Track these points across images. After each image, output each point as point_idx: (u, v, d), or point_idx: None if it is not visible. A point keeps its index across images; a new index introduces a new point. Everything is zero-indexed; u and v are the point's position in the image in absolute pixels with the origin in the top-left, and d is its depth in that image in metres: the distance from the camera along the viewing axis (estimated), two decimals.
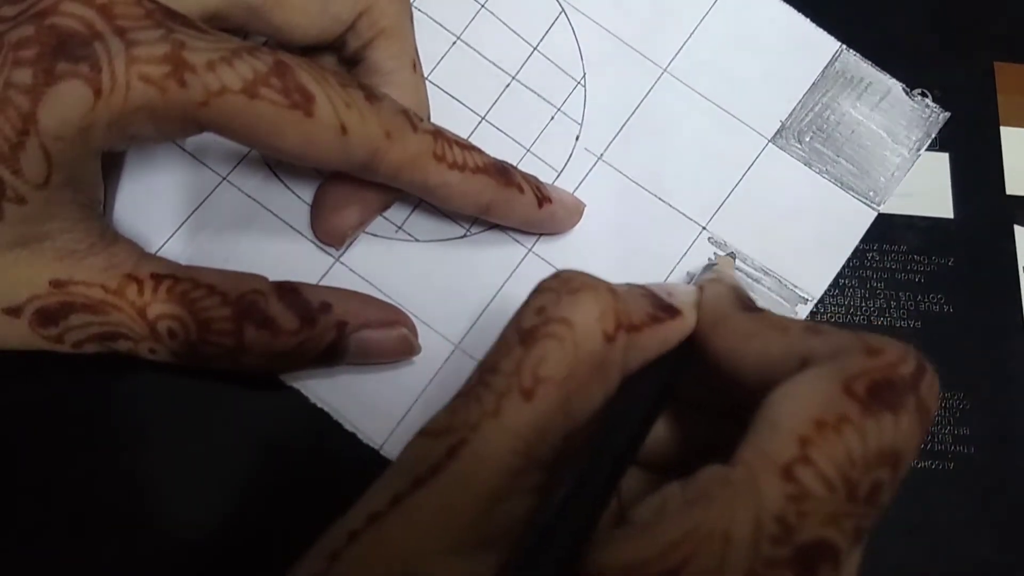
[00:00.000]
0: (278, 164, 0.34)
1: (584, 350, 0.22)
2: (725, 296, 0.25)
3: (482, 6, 0.37)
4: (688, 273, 0.34)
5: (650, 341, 0.24)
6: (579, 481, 0.22)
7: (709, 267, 0.31)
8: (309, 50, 0.33)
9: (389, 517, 0.21)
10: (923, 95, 0.37)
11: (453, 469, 0.21)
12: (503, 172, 0.31)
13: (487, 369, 0.22)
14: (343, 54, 0.33)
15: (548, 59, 0.36)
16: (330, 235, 0.32)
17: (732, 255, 0.34)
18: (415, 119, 0.29)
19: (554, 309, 0.22)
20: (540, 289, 0.23)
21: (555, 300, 0.22)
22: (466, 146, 0.31)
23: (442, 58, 0.36)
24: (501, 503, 0.21)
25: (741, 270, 0.34)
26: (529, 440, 0.21)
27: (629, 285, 0.24)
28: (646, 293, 0.24)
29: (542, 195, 0.32)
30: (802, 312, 0.34)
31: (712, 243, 0.35)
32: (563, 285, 0.23)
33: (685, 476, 0.26)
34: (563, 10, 0.37)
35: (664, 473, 0.26)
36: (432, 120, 0.34)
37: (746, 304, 0.25)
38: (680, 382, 0.25)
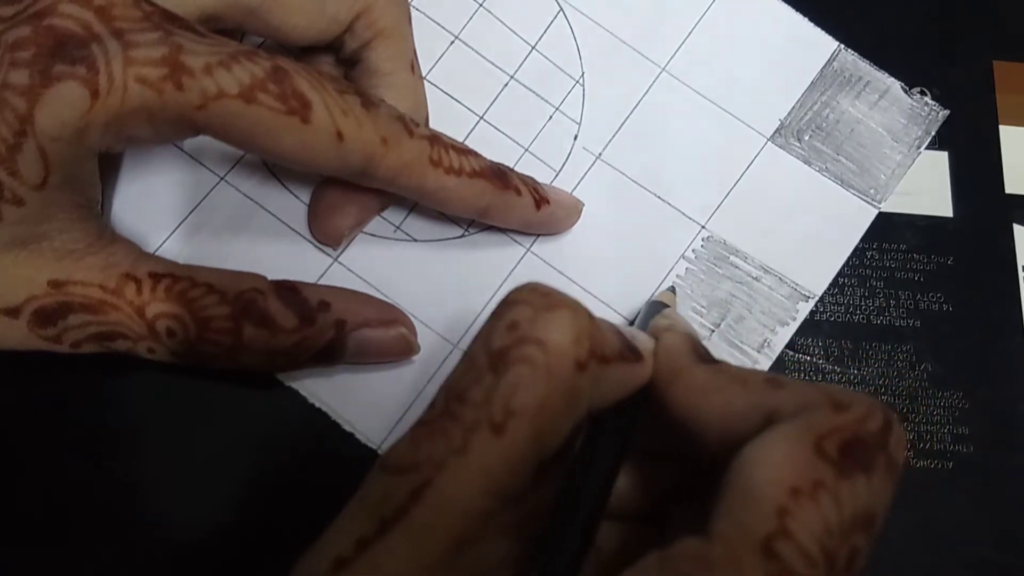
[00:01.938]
0: (276, 165, 0.34)
1: (558, 377, 0.21)
2: (681, 347, 0.24)
3: (480, 5, 0.37)
4: (635, 313, 0.33)
5: (615, 379, 0.23)
6: (555, 548, 0.21)
7: (654, 306, 0.30)
8: (307, 51, 0.33)
9: (355, 565, 0.20)
10: (921, 93, 0.37)
11: (418, 513, 0.20)
12: (500, 175, 0.31)
13: (454, 396, 0.21)
14: (341, 55, 0.33)
15: (546, 58, 0.36)
16: (327, 236, 0.32)
17: (672, 289, 0.34)
18: (411, 125, 0.29)
19: (529, 327, 0.21)
20: (512, 301, 0.22)
21: (530, 317, 0.21)
22: (463, 150, 0.31)
23: (440, 57, 0.36)
24: (472, 545, 0.20)
25: (741, 268, 0.34)
26: (499, 478, 0.20)
27: (599, 318, 0.23)
28: (615, 329, 0.23)
29: (540, 196, 0.32)
30: (803, 310, 0.34)
31: (710, 242, 0.35)
32: (540, 300, 0.22)
33: (649, 524, 0.25)
34: (561, 9, 0.37)
35: (628, 521, 0.26)
36: (430, 119, 0.34)
37: (702, 355, 0.24)
38: (634, 432, 0.24)
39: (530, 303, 0.22)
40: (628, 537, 0.26)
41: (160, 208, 0.33)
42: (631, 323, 0.31)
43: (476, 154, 0.31)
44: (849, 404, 0.21)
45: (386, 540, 0.20)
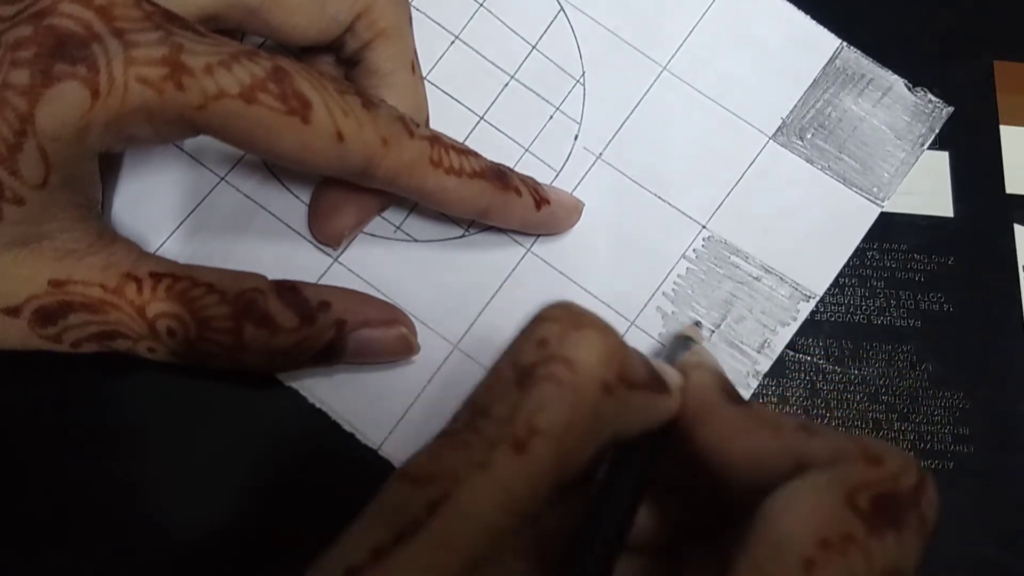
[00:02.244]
0: (276, 165, 0.34)
1: (583, 398, 0.20)
2: (711, 385, 0.24)
3: (481, 5, 0.37)
4: (660, 346, 0.33)
5: (641, 407, 0.22)
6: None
7: (681, 342, 0.30)
8: (307, 51, 0.33)
9: (369, 575, 0.19)
10: (924, 91, 0.37)
11: (435, 526, 0.19)
12: (500, 176, 0.31)
13: (478, 410, 0.21)
14: (342, 55, 0.33)
15: (547, 58, 0.36)
16: (327, 236, 0.32)
17: (698, 323, 0.34)
18: (412, 125, 0.29)
19: (557, 345, 0.21)
20: (543, 318, 0.22)
21: (559, 335, 0.21)
22: (463, 151, 0.31)
23: (441, 57, 0.36)
24: (488, 564, 0.20)
25: (742, 268, 0.34)
26: (519, 496, 0.20)
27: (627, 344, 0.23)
28: (643, 358, 0.23)
29: (540, 197, 0.32)
30: (804, 310, 0.34)
31: (711, 241, 0.35)
32: (570, 319, 0.21)
33: (665, 557, 0.25)
34: (562, 8, 0.37)
35: (645, 553, 0.26)
36: (431, 119, 0.34)
37: (732, 395, 0.24)
38: (656, 466, 0.24)
39: (560, 321, 0.21)
40: (644, 569, 0.26)
41: (160, 208, 0.33)
42: (658, 356, 0.31)
43: (476, 155, 0.31)
44: (883, 458, 0.20)
45: (401, 552, 0.19)
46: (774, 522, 0.20)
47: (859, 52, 0.37)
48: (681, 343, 0.30)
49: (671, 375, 0.24)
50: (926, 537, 0.20)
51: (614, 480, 0.23)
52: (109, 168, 0.33)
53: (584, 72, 0.36)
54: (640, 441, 0.23)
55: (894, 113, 0.37)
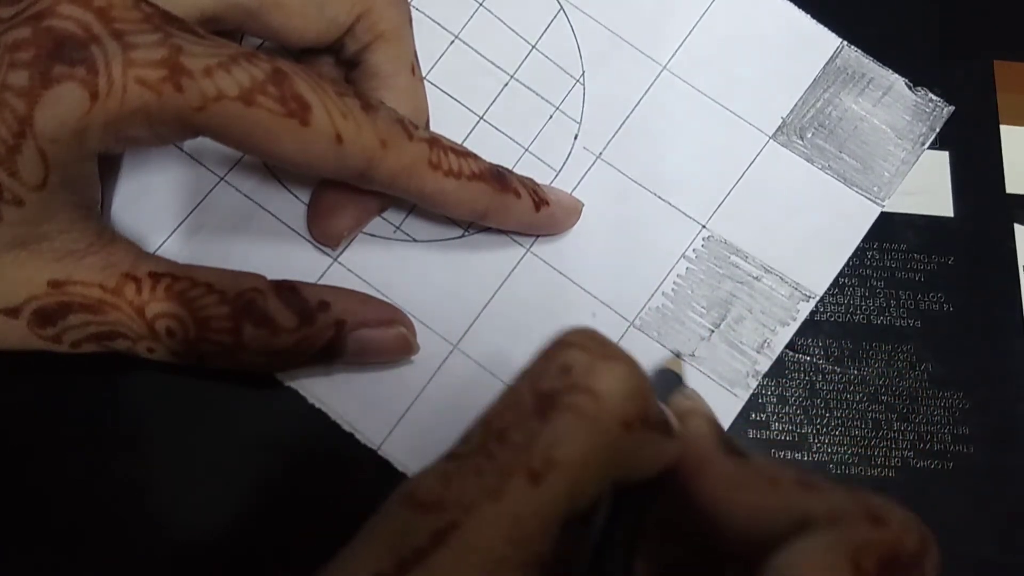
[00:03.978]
0: (275, 166, 0.34)
1: (604, 433, 0.20)
2: (709, 435, 0.24)
3: (480, 4, 0.36)
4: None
5: (653, 449, 0.22)
6: None
7: (666, 376, 0.30)
8: (307, 53, 0.33)
9: None
10: (924, 91, 0.37)
11: (440, 557, 0.19)
12: (499, 178, 0.31)
13: (493, 433, 0.20)
14: (341, 57, 0.33)
15: (547, 57, 0.36)
16: (327, 236, 0.32)
17: (678, 354, 0.33)
18: (411, 127, 0.29)
19: (583, 374, 0.20)
20: (568, 343, 0.21)
21: (586, 365, 0.20)
22: (462, 153, 0.31)
23: (440, 57, 0.36)
24: None
25: (741, 268, 0.34)
26: (528, 530, 0.19)
27: None
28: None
29: (539, 198, 0.32)
30: (804, 310, 0.34)
31: (711, 241, 0.35)
32: (598, 348, 0.21)
33: None
34: (562, 8, 0.37)
35: None
36: (430, 119, 0.34)
37: (729, 446, 0.24)
38: (651, 511, 0.24)
39: (587, 349, 0.21)
40: None
41: (160, 208, 0.33)
42: None
43: (475, 156, 0.31)
44: (887, 518, 0.20)
45: None
46: None
47: (859, 51, 0.37)
48: (665, 377, 0.29)
49: (671, 418, 0.24)
50: None
51: (615, 524, 0.23)
52: (108, 168, 0.33)
53: (584, 72, 0.36)
54: (643, 485, 0.23)
55: (894, 112, 0.37)
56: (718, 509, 0.22)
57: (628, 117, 0.36)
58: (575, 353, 0.21)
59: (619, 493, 0.23)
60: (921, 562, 0.20)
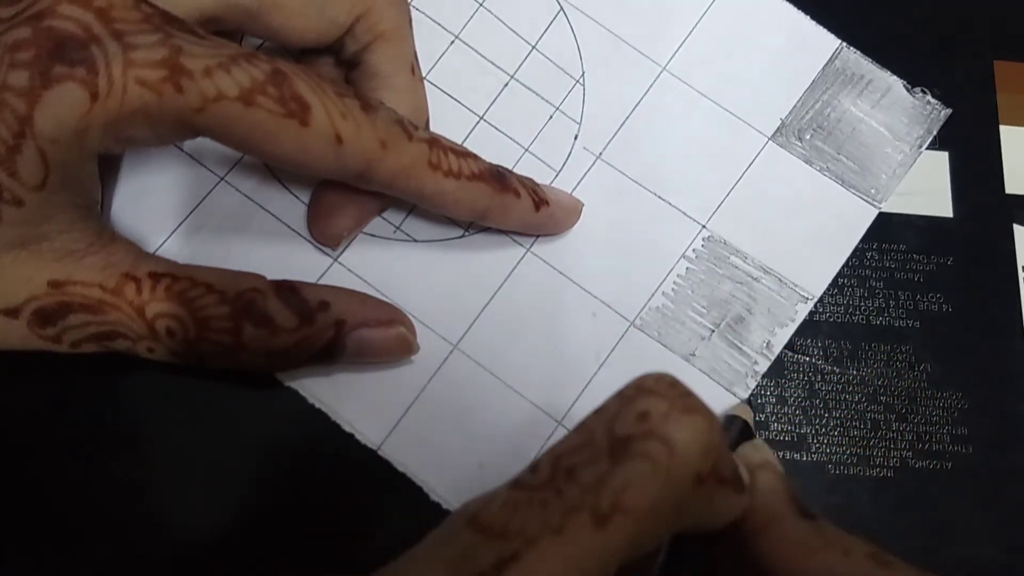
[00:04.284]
0: (275, 166, 0.34)
1: (675, 484, 0.20)
2: (781, 493, 0.23)
3: (480, 5, 0.37)
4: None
5: (722, 504, 0.22)
6: None
7: (731, 421, 0.29)
8: (307, 53, 0.33)
9: None
10: (923, 92, 0.37)
11: None
12: (499, 178, 0.31)
13: (562, 470, 0.20)
14: (341, 57, 0.33)
15: (547, 58, 0.36)
16: (327, 237, 0.32)
17: (749, 401, 0.33)
18: (410, 128, 0.29)
19: (660, 423, 0.20)
20: (647, 389, 0.21)
21: (664, 414, 0.20)
22: (462, 153, 0.31)
23: (440, 57, 0.36)
24: None
25: (741, 268, 0.34)
26: (587, 571, 0.19)
27: None
28: (731, 453, 0.22)
29: (539, 198, 0.32)
30: (802, 310, 0.34)
31: (711, 241, 0.35)
32: (679, 399, 0.21)
33: None
34: (562, 8, 0.37)
35: None
36: (430, 119, 0.34)
37: (800, 507, 0.23)
38: (713, 567, 0.24)
39: (667, 398, 0.21)
40: None
41: (160, 208, 0.33)
42: None
43: (475, 157, 0.31)
44: None
45: None
46: None
47: (858, 53, 0.37)
48: (734, 424, 0.29)
49: (741, 471, 0.24)
50: None
51: (675, 569, 0.23)
52: (108, 169, 0.33)
53: (584, 72, 0.36)
54: (700, 541, 0.23)
55: (892, 114, 0.37)
56: (784, 570, 0.22)
57: (628, 117, 0.36)
58: (654, 400, 0.21)
59: (681, 538, 0.23)
60: None
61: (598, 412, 0.21)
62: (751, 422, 0.31)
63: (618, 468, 0.19)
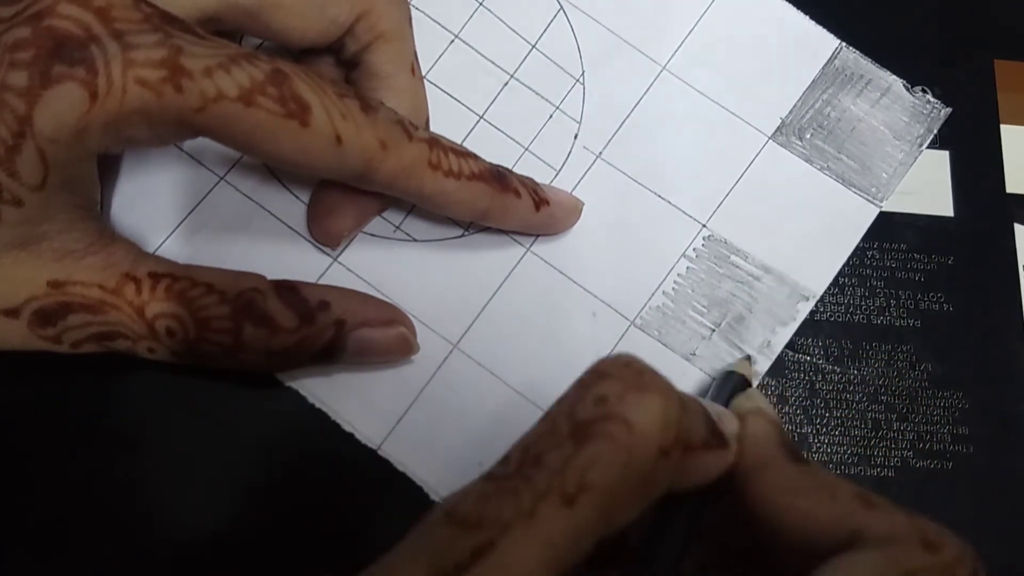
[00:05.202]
0: (275, 166, 0.34)
1: (637, 460, 0.20)
2: (770, 438, 0.24)
3: (480, 4, 0.36)
4: (711, 378, 0.33)
5: (698, 467, 0.22)
6: None
7: (730, 377, 0.30)
8: (307, 53, 0.33)
9: None
10: (923, 92, 0.37)
11: (479, 573, 0.19)
12: (499, 178, 0.31)
13: (530, 459, 0.21)
14: (341, 57, 0.33)
15: (547, 57, 0.36)
16: (326, 237, 0.32)
17: (748, 357, 0.33)
18: (410, 128, 0.29)
19: (617, 404, 0.21)
20: (604, 373, 0.22)
21: (619, 394, 0.21)
22: (462, 153, 0.31)
23: (440, 56, 0.36)
24: None
25: (741, 268, 0.34)
26: (561, 550, 0.19)
27: (690, 397, 0.23)
28: (703, 412, 0.23)
29: (539, 198, 0.32)
30: (803, 310, 0.34)
31: (711, 240, 0.35)
32: (633, 378, 0.21)
33: None
34: (562, 8, 0.37)
35: None
36: (430, 119, 0.34)
37: (791, 451, 0.24)
38: (706, 517, 0.24)
39: (622, 380, 0.21)
40: None
41: (160, 208, 0.33)
42: (705, 395, 0.31)
43: (475, 157, 0.31)
44: (940, 545, 0.20)
45: None
46: None
47: (858, 52, 0.37)
48: (731, 380, 0.29)
49: (728, 422, 0.24)
50: None
51: (662, 530, 0.23)
52: (108, 168, 0.33)
53: (584, 72, 0.36)
54: (695, 492, 0.23)
55: (892, 114, 0.37)
56: (774, 513, 0.22)
57: (628, 117, 0.36)
58: (611, 383, 0.21)
59: (671, 500, 0.23)
60: None
61: (560, 401, 0.22)
62: (750, 376, 0.31)
63: (581, 450, 0.20)
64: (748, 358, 0.33)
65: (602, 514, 0.20)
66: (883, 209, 0.35)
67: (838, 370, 0.34)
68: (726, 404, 0.26)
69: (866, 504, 0.22)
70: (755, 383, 0.32)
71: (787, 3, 0.37)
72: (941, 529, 0.21)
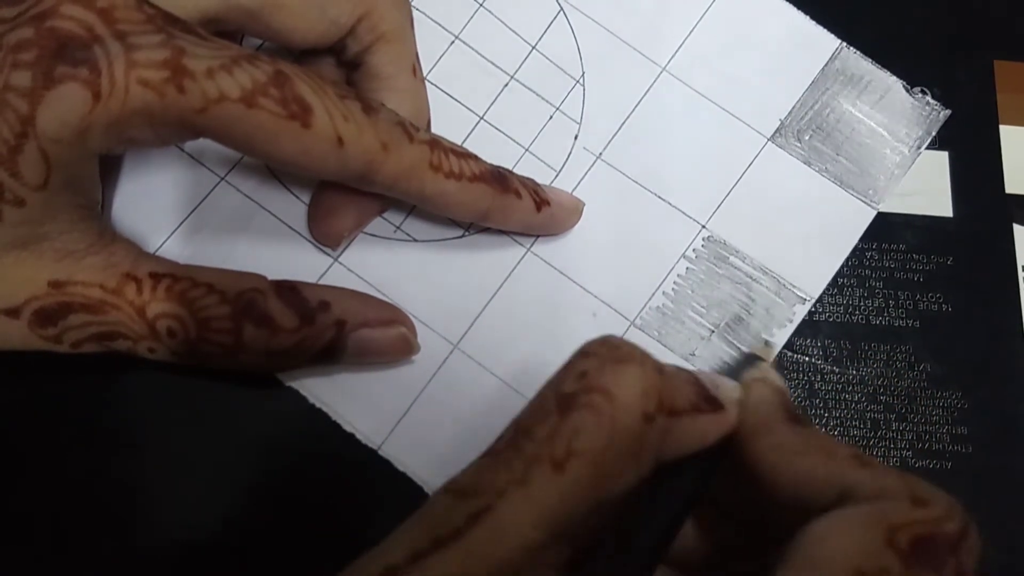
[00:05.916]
0: (276, 167, 0.34)
1: (621, 426, 0.21)
2: (772, 402, 0.25)
3: (481, 5, 0.37)
4: (725, 363, 0.34)
5: (689, 431, 0.23)
6: None
7: (750, 359, 0.30)
8: (308, 54, 0.33)
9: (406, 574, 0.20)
10: (923, 93, 0.37)
11: (474, 536, 0.20)
12: (500, 179, 0.31)
13: (521, 431, 0.22)
14: (343, 58, 0.33)
15: (547, 58, 0.36)
16: (327, 237, 0.32)
17: (768, 343, 0.34)
18: (411, 129, 0.29)
19: (596, 377, 0.22)
20: (584, 352, 0.23)
21: (598, 368, 0.22)
22: (463, 154, 0.31)
23: (441, 57, 0.36)
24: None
25: (740, 269, 0.34)
26: (554, 513, 0.20)
27: (677, 368, 0.24)
28: (692, 380, 0.24)
29: (540, 198, 0.32)
30: (800, 312, 0.34)
31: (711, 241, 0.35)
32: (610, 353, 0.22)
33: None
34: (562, 9, 0.37)
35: (691, 571, 0.26)
36: (431, 119, 0.34)
37: (793, 415, 0.24)
38: (713, 481, 0.24)
39: (600, 355, 0.22)
40: None
41: (160, 208, 0.33)
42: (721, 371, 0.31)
43: (476, 158, 0.31)
44: (929, 501, 0.21)
45: (438, 557, 0.20)
46: (813, 548, 0.20)
47: (858, 53, 0.37)
48: (749, 361, 0.30)
49: (728, 390, 0.25)
50: None
51: (660, 493, 0.23)
52: (109, 169, 0.33)
53: (584, 72, 0.36)
54: (693, 458, 0.23)
55: (892, 116, 0.37)
56: (771, 474, 0.23)
57: (628, 117, 0.36)
58: (591, 360, 0.22)
59: (671, 465, 0.23)
60: (957, 547, 0.20)
61: (548, 381, 0.23)
62: (769, 359, 0.32)
63: (566, 420, 0.21)
64: (767, 343, 0.34)
65: (593, 479, 0.21)
66: (882, 210, 0.36)
67: (837, 370, 0.34)
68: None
69: (860, 463, 0.22)
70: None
71: (787, 3, 0.37)
72: (932, 487, 0.21)
